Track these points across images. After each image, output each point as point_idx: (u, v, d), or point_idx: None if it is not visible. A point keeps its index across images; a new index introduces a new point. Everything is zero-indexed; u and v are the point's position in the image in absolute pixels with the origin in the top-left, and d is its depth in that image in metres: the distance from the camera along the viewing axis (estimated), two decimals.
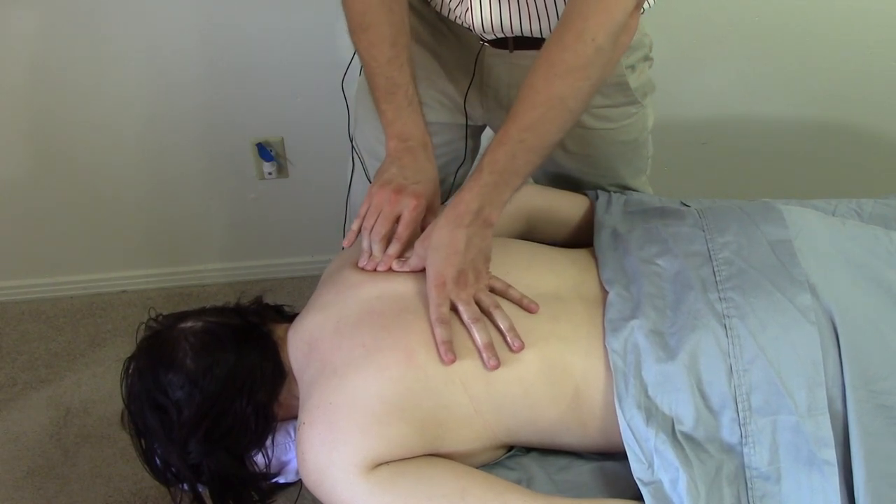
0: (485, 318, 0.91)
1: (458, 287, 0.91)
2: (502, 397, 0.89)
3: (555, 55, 0.90)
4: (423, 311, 0.92)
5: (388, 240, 1.00)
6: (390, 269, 0.98)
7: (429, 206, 1.02)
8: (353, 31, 1.04)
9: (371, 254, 1.00)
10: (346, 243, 1.05)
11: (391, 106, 1.03)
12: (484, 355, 0.88)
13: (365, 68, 1.06)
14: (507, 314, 0.91)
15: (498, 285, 0.95)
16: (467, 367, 0.88)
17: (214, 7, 1.60)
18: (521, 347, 0.88)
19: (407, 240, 0.99)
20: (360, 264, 1.00)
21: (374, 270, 0.99)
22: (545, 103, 0.91)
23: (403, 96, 1.03)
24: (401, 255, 0.99)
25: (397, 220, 1.00)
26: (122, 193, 1.90)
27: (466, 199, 0.93)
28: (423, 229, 1.01)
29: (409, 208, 0.99)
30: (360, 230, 1.02)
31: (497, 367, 0.87)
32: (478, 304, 0.92)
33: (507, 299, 0.94)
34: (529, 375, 0.89)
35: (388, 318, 0.91)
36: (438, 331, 0.88)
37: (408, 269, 0.97)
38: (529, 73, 0.92)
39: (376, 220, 0.99)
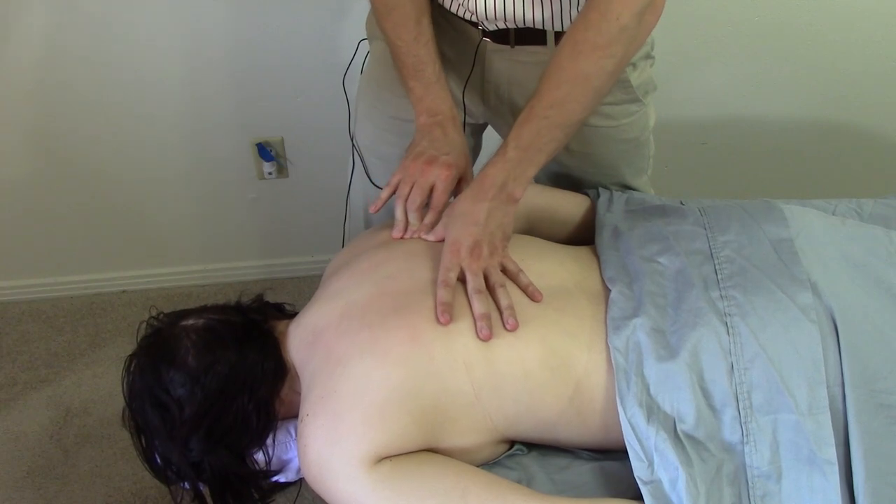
0: (488, 293, 0.92)
1: (471, 257, 0.93)
2: (502, 378, 0.88)
3: (580, 33, 0.92)
4: (434, 292, 0.92)
5: (422, 209, 1.03)
6: (412, 255, 0.99)
7: (461, 176, 1.05)
8: (378, 14, 1.07)
9: (406, 223, 1.03)
10: (373, 209, 1.08)
11: (419, 83, 1.06)
12: (478, 324, 0.88)
13: (391, 49, 1.08)
14: (509, 295, 0.92)
15: (510, 267, 0.96)
16: (469, 344, 0.88)
17: (215, 8, 1.60)
18: (515, 327, 0.89)
19: (442, 209, 1.02)
20: (395, 234, 1.02)
21: (406, 237, 1.02)
22: (570, 80, 0.93)
23: (431, 73, 1.06)
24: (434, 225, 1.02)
25: (431, 190, 1.02)
26: (123, 193, 1.90)
27: (491, 174, 0.96)
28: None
29: (441, 178, 1.02)
30: (387, 198, 1.05)
31: (489, 337, 0.88)
32: (486, 278, 0.93)
33: (515, 283, 0.95)
34: (530, 357, 0.89)
35: (398, 299, 0.92)
36: (440, 292, 0.89)
37: (434, 238, 0.99)
38: (555, 52, 0.94)
39: (411, 191, 1.02)
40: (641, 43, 0.97)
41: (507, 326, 0.89)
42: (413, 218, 1.02)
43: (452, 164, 1.03)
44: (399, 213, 1.03)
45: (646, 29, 0.94)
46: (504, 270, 0.96)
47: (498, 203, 0.95)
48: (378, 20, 1.08)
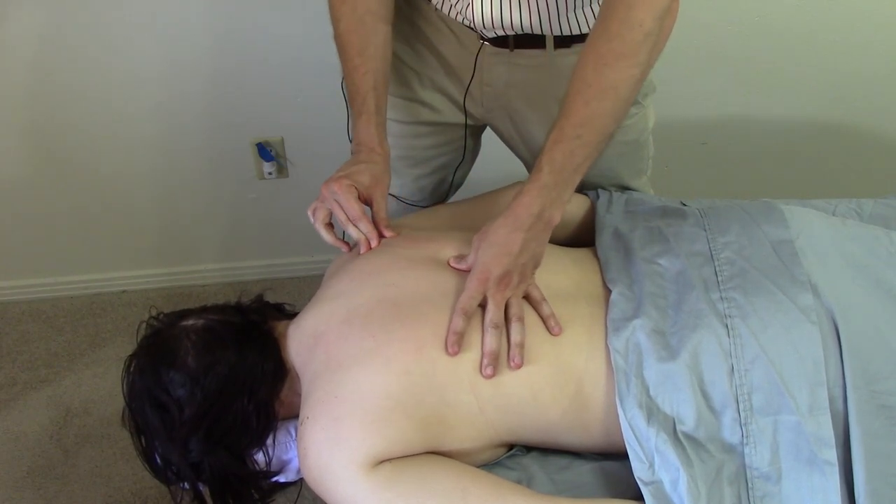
0: (504, 328, 0.90)
1: (499, 287, 0.91)
2: (509, 398, 0.89)
3: (602, 45, 0.89)
4: (441, 303, 0.91)
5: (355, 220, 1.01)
6: (415, 263, 0.98)
7: (374, 183, 1.03)
8: (335, 38, 1.07)
9: (342, 242, 1.03)
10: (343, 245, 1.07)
11: (352, 112, 1.07)
12: (484, 360, 0.87)
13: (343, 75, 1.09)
14: (523, 330, 0.90)
15: (535, 294, 0.94)
16: (477, 368, 0.88)
17: (215, 8, 1.60)
18: (519, 366, 0.88)
19: (361, 216, 1.00)
20: (364, 250, 1.01)
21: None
22: (598, 95, 0.90)
23: (361, 103, 1.05)
24: (374, 229, 1.01)
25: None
26: (123, 193, 1.90)
27: (526, 202, 0.92)
28: (366, 203, 1.02)
29: (336, 192, 1.00)
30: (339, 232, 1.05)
31: (490, 377, 0.87)
32: (506, 308, 0.91)
33: (537, 311, 0.93)
34: (540, 380, 0.89)
35: (404, 309, 0.91)
36: (456, 320, 0.88)
37: (465, 267, 0.96)
38: (578, 67, 0.91)
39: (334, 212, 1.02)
40: (661, 49, 0.94)
41: (511, 364, 0.88)
42: (362, 228, 1.00)
43: (341, 177, 1.01)
44: (330, 239, 1.03)
45: (665, 33, 0.91)
46: (527, 296, 0.94)
47: (535, 233, 0.92)
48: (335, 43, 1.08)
